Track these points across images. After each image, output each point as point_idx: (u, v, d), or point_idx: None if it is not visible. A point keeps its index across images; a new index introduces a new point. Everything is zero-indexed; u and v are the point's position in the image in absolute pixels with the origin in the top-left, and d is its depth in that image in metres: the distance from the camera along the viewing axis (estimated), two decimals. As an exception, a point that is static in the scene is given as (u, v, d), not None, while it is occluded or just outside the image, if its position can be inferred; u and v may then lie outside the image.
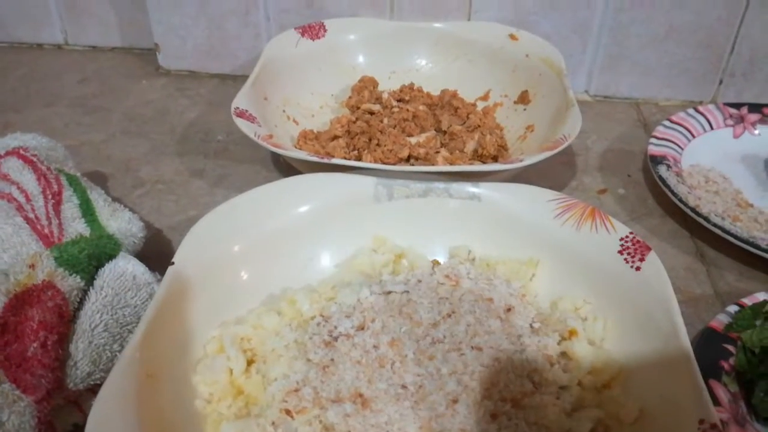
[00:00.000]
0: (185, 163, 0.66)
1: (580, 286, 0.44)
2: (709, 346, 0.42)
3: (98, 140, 0.69)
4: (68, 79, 0.82)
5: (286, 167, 0.64)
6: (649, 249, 0.43)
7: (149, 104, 0.76)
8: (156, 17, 0.79)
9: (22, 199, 0.48)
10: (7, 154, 0.51)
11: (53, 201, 0.49)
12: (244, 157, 0.67)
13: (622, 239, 0.44)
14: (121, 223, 0.50)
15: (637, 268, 0.42)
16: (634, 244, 0.43)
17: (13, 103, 0.76)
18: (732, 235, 0.52)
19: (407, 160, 0.60)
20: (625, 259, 0.43)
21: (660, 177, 0.58)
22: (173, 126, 0.72)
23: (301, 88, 0.70)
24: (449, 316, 0.41)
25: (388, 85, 0.72)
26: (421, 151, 0.60)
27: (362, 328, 0.40)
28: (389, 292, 0.43)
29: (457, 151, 0.60)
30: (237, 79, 0.80)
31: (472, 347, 0.39)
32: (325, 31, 0.73)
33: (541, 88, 0.66)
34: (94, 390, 0.42)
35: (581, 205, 0.47)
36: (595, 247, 0.44)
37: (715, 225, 0.53)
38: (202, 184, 0.63)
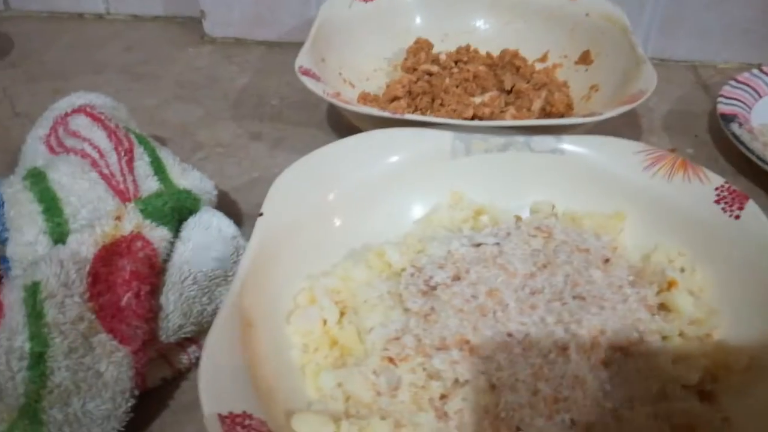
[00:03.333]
0: (242, 126, 0.65)
1: (674, 238, 0.43)
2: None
3: (151, 105, 0.68)
4: (113, 47, 0.81)
5: (345, 129, 0.63)
6: (747, 198, 0.41)
7: (198, 71, 0.75)
8: (202, -17, 0.77)
9: (95, 155, 0.47)
10: (74, 111, 0.51)
11: (126, 157, 0.48)
12: (299, 120, 0.66)
13: (717, 189, 0.42)
14: (192, 181, 0.49)
15: (737, 217, 0.41)
16: (730, 194, 0.42)
17: (60, 71, 0.75)
18: (816, 190, 0.51)
19: (471, 120, 0.59)
20: (723, 209, 0.41)
21: (734, 134, 0.57)
22: (225, 92, 0.71)
23: (354, 50, 0.68)
24: (545, 267, 0.40)
25: (441, 47, 0.71)
26: (486, 110, 0.58)
27: (457, 278, 0.39)
28: (479, 245, 0.42)
29: (525, 110, 0.59)
30: (284, 47, 0.79)
31: (574, 297, 0.38)
32: (378, -8, 0.71)
33: (605, 47, 0.65)
34: (182, 344, 0.42)
35: (670, 157, 0.45)
36: (690, 198, 0.43)
37: (796, 180, 0.52)
38: (260, 147, 0.62)
